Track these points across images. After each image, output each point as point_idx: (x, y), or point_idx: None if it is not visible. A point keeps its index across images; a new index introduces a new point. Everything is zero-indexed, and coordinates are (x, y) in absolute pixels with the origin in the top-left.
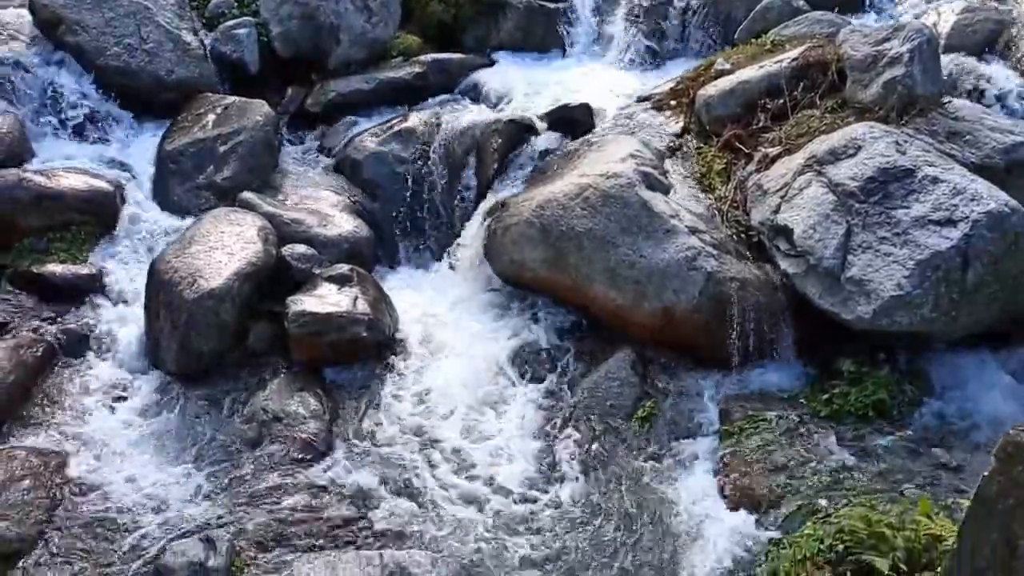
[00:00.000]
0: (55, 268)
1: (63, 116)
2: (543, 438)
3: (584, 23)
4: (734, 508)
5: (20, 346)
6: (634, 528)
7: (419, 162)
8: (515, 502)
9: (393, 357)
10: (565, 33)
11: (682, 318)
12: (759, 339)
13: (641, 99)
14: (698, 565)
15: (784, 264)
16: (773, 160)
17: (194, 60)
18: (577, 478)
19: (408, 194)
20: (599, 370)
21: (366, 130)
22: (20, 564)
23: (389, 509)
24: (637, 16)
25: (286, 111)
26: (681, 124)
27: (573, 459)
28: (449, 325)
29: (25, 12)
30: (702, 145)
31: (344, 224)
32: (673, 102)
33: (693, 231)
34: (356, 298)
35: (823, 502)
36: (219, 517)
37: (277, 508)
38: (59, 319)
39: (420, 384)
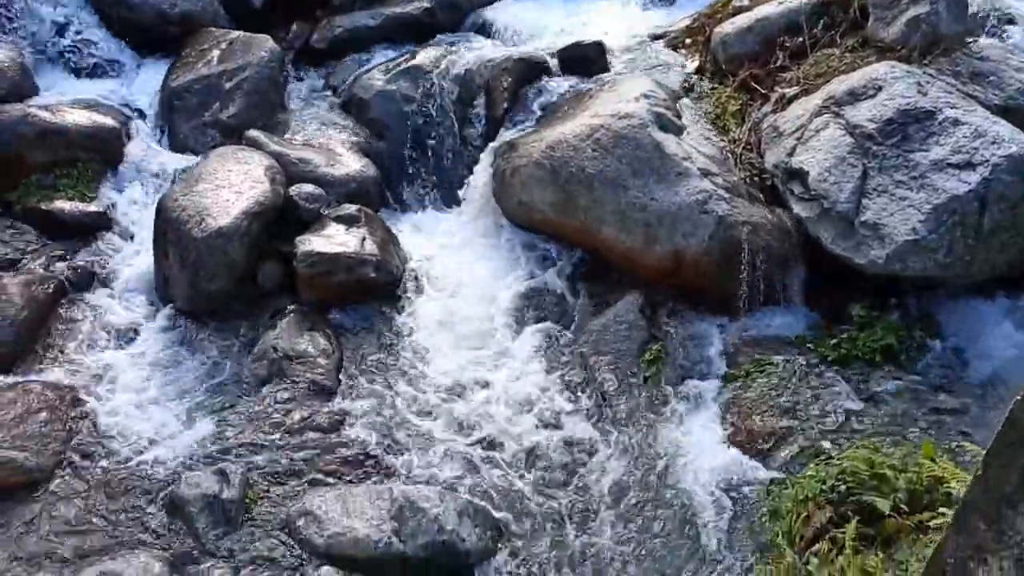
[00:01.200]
0: (63, 205)
1: (65, 51)
2: (549, 379)
3: None
4: (737, 449)
5: (31, 282)
6: (637, 465)
7: (427, 101)
8: (521, 440)
9: (401, 298)
10: None
11: (692, 262)
12: (769, 284)
13: (656, 37)
14: (699, 503)
15: (797, 208)
16: (790, 101)
17: None
18: (582, 417)
19: (416, 133)
20: (607, 313)
21: (373, 68)
22: (39, 493)
23: (397, 446)
24: None
25: (291, 47)
26: (696, 63)
27: (579, 399)
28: (456, 267)
29: None
30: (717, 85)
31: (351, 163)
32: (688, 40)
33: (705, 174)
34: (364, 239)
35: (826, 444)
36: (232, 451)
37: (288, 443)
38: (68, 256)
39: (428, 325)
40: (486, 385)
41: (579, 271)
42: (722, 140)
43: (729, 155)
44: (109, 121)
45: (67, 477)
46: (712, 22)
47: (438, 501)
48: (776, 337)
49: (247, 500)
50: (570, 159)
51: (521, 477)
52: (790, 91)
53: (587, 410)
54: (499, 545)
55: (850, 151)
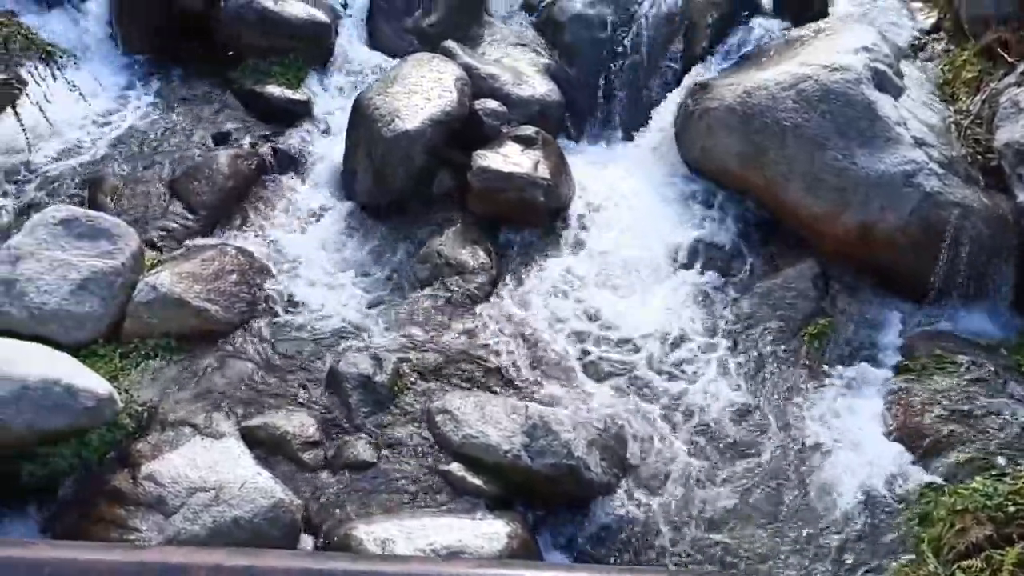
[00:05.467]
0: (273, 90)
1: None
2: (703, 331)
3: None
4: (897, 444)
5: (239, 156)
6: (780, 433)
7: (624, 31)
8: (663, 384)
9: (564, 225)
10: None
11: (883, 237)
12: (970, 276)
13: None
14: (841, 487)
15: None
16: None
17: None
18: (731, 376)
19: (607, 63)
20: (776, 277)
21: None
22: (222, 343)
23: (539, 367)
24: None
25: None
26: (933, 20)
27: (730, 358)
28: (625, 204)
29: None
30: (953, 47)
31: (537, 86)
32: None
33: (920, 143)
34: (538, 162)
35: (1001, 460)
36: (388, 340)
37: (438, 345)
38: (272, 137)
39: (586, 256)
40: (637, 325)
41: (752, 228)
42: (947, 109)
43: (952, 127)
44: (322, 16)
45: (247, 334)
46: None
47: (570, 427)
48: (965, 335)
49: (395, 388)
50: (766, 108)
51: (656, 421)
52: None
53: (737, 371)
54: (620, 483)
55: None
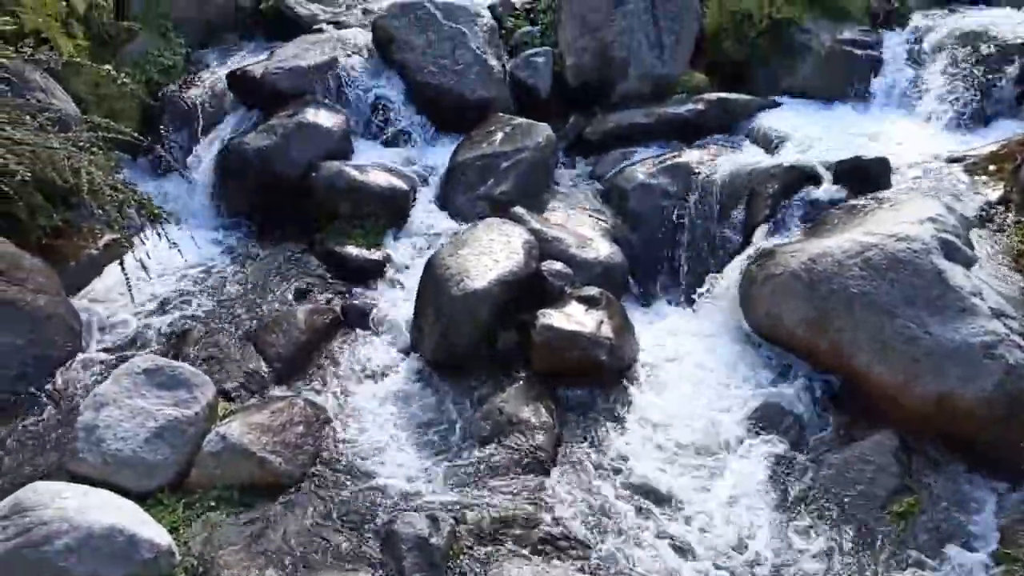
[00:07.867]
0: (352, 250)
1: (380, 122)
2: (773, 507)
3: (893, 73)
4: None
5: (315, 312)
6: None
7: (686, 199)
8: (731, 567)
9: (627, 386)
10: (868, 82)
11: (964, 411)
12: None
13: (952, 160)
14: None
15: None
16: None
17: (494, 82)
18: (807, 559)
19: (669, 229)
20: (852, 448)
21: (638, 161)
22: (282, 496)
23: (599, 538)
24: (960, 72)
25: (566, 137)
26: (999, 193)
27: (806, 538)
28: (689, 367)
29: (366, 32)
30: None
31: (601, 249)
32: (992, 167)
33: (998, 314)
34: (601, 322)
35: None
36: (445, 500)
37: (497, 508)
38: (347, 294)
39: (649, 419)
40: (700, 497)
41: (823, 395)
42: None
43: None
44: (402, 185)
45: (307, 488)
46: None
47: None
48: None
49: (452, 551)
50: (832, 276)
51: None
52: None
53: (813, 554)
54: None
55: None
